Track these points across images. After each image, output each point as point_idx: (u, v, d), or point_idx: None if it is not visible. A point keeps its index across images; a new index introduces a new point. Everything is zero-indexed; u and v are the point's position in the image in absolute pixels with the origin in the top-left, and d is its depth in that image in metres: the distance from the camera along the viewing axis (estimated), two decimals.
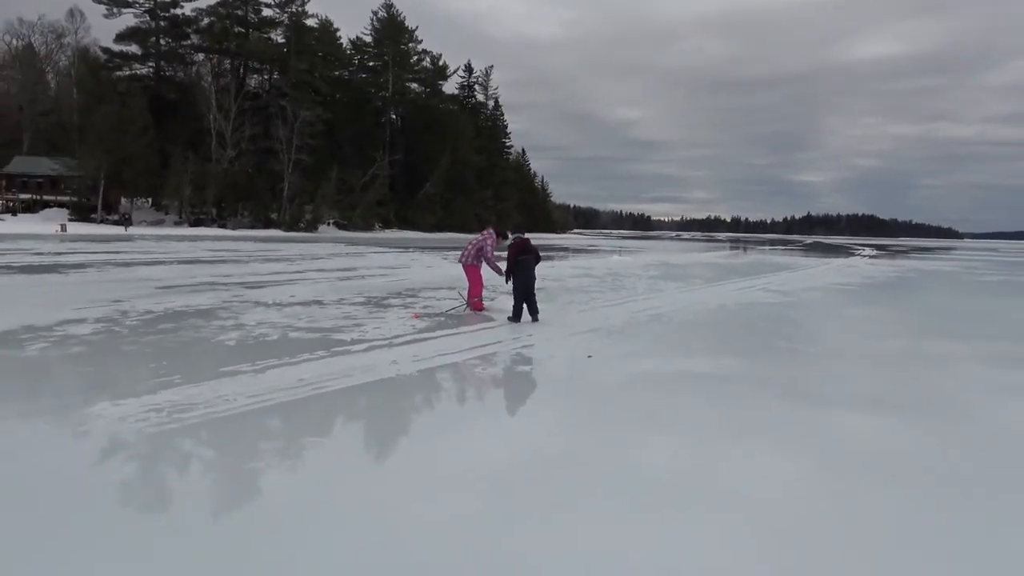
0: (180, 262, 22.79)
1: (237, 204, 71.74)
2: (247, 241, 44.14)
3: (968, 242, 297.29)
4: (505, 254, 12.00)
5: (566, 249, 50.92)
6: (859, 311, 15.29)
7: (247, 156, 71.27)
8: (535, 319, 10.94)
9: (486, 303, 12.50)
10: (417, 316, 11.21)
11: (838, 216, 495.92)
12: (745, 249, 63.43)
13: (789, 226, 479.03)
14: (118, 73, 74.29)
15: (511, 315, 11.13)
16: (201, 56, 77.24)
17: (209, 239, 44.38)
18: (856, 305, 16.38)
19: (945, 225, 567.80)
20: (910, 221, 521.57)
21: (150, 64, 77.05)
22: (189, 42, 77.35)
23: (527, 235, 11.43)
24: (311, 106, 71.97)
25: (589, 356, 8.25)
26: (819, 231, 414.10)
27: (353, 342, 8.86)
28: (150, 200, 74.18)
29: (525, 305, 11.02)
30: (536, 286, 11.13)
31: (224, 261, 24.01)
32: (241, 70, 77.77)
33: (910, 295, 19.96)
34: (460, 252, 12.41)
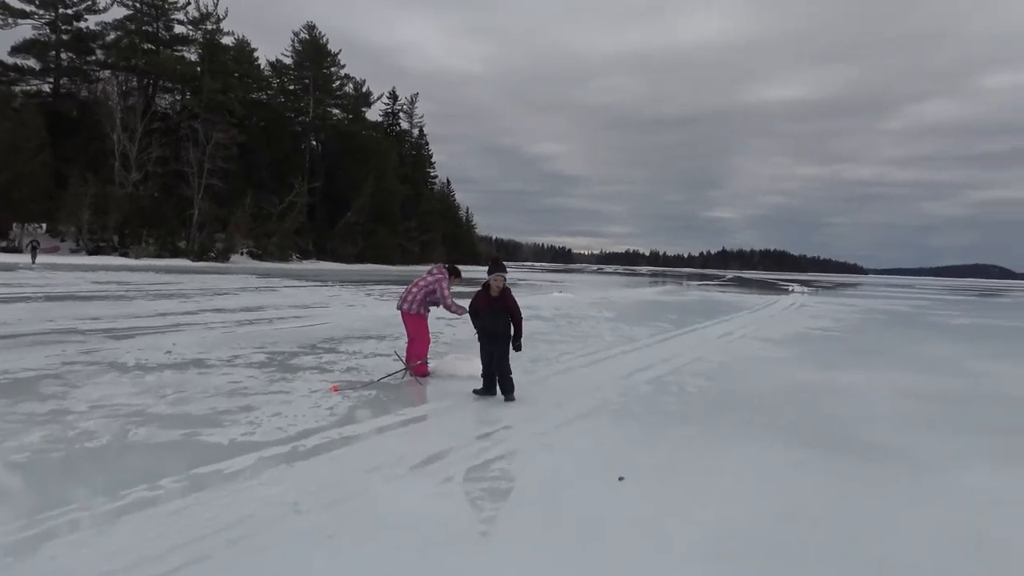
0: (47, 298, 18.79)
1: (141, 231, 66.39)
2: (146, 272, 39.65)
3: (874, 277, 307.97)
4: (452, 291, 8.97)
5: None
6: (902, 376, 12.68)
7: (154, 180, 66.29)
8: (509, 398, 7.80)
9: (432, 363, 9.33)
10: (336, 389, 7.94)
11: (752, 251, 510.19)
12: (680, 284, 61.74)
13: (705, 260, 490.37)
14: (13, 88, 68.47)
15: (478, 387, 8.04)
16: (106, 73, 72.08)
17: (102, 269, 39.67)
18: (882, 361, 13.78)
19: (851, 261, 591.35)
20: (818, 257, 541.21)
21: (49, 79, 71.52)
22: (93, 58, 72.22)
23: (504, 277, 7.92)
24: (225, 128, 67.54)
25: (620, 478, 5.14)
26: (734, 265, 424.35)
27: (232, 450, 5.54)
28: (44, 226, 68.25)
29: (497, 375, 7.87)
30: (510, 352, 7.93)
31: (103, 297, 20.09)
32: (150, 89, 72.88)
33: (917, 342, 17.56)
34: (400, 296, 9.21)
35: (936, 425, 7.64)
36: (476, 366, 9.09)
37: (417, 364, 8.93)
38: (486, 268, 8.05)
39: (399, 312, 9.17)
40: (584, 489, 4.89)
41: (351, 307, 20.13)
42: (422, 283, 9.11)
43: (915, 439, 6.84)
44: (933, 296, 54.68)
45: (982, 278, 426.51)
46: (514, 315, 7.75)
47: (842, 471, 5.61)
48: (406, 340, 9.30)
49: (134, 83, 71.71)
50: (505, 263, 8.21)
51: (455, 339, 12.80)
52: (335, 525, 4.07)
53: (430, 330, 9.35)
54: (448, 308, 9.05)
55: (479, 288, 7.98)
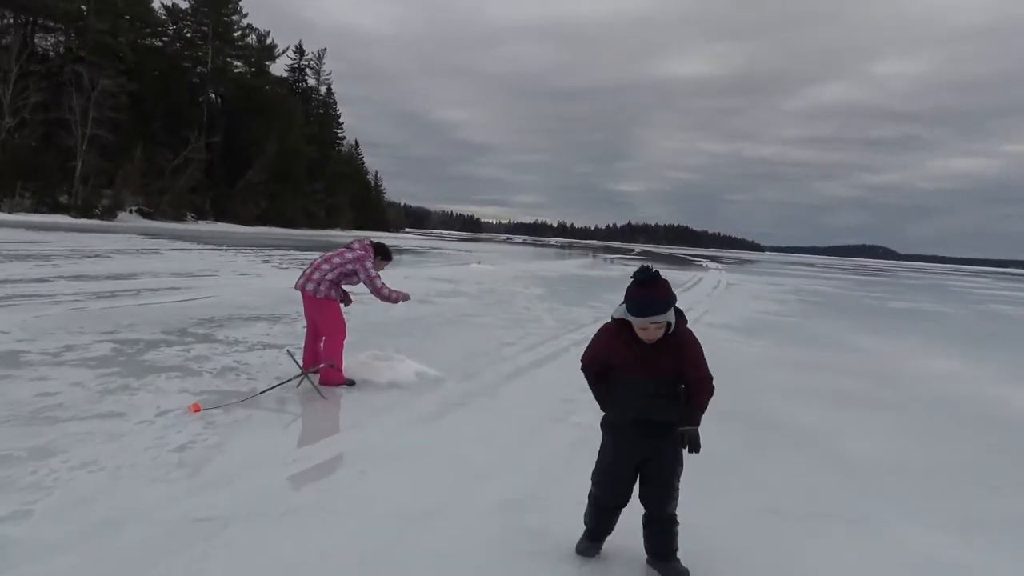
0: None
1: (16, 183, 60.27)
2: (16, 228, 35.14)
3: (771, 255, 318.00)
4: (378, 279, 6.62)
5: (409, 251, 45.19)
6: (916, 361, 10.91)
7: (32, 128, 60.13)
8: (671, 569, 3.38)
9: (359, 364, 6.86)
10: (197, 408, 5.44)
11: (657, 226, 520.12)
12: (594, 257, 60.30)
13: (612, 233, 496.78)
14: None
15: (579, 543, 3.60)
16: None
17: None
18: (885, 363, 12.04)
19: (749, 238, 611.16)
20: (719, 233, 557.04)
21: None
22: None
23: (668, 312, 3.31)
24: (112, 74, 61.80)
25: None
26: (640, 239, 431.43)
27: None
28: None
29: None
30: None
31: None
32: (28, 27, 66.13)
33: (882, 332, 16.01)
34: (303, 273, 6.69)
35: None
36: (403, 370, 6.77)
37: (324, 368, 6.48)
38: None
39: (299, 292, 6.67)
40: None
41: (243, 276, 17.30)
42: (336, 260, 6.63)
43: None
44: (844, 276, 54.93)
45: (870, 258, 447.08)
46: (695, 378, 3.32)
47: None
48: (304, 327, 6.85)
49: (9, 20, 64.87)
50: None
51: (368, 323, 10.24)
52: None
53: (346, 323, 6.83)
54: (379, 296, 6.64)
55: (600, 330, 3.62)
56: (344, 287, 6.71)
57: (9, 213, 54.84)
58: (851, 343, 13.17)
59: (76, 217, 58.09)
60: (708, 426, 3.30)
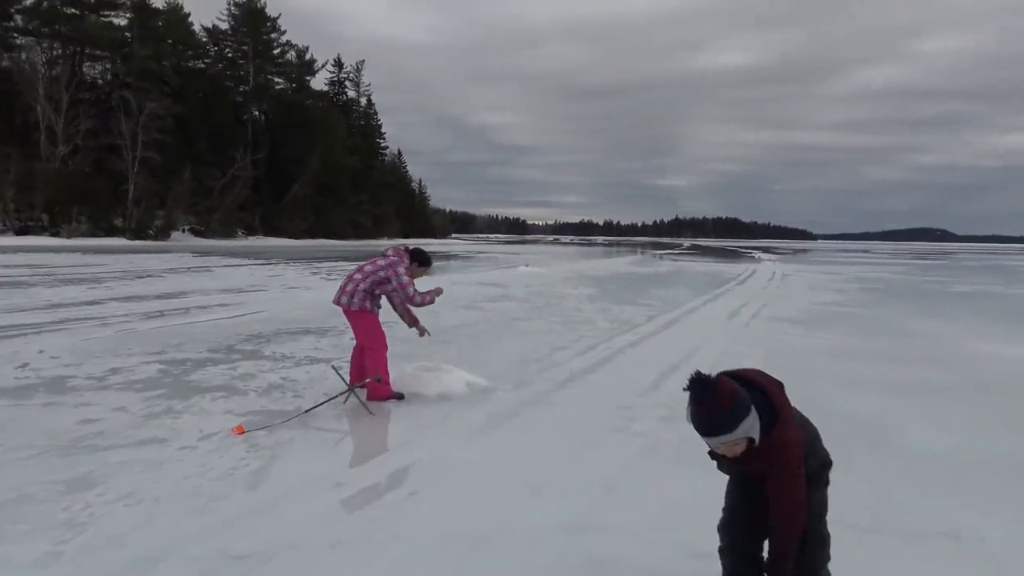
0: None
1: (72, 208, 61.85)
2: (73, 253, 35.91)
3: (824, 243, 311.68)
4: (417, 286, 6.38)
5: (456, 256, 45.14)
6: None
7: (84, 154, 61.59)
8: None
9: (406, 376, 6.61)
10: (241, 431, 5.23)
11: (704, 219, 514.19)
12: (643, 254, 59.57)
13: (659, 229, 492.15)
14: None
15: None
16: (28, 40, 66.77)
17: (21, 251, 35.90)
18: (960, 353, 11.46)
19: (799, 227, 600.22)
20: (768, 223, 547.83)
21: None
22: (13, 23, 66.88)
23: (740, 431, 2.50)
24: (158, 98, 63.02)
25: None
26: (687, 233, 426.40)
27: None
28: None
29: None
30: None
31: None
32: (76, 57, 67.88)
33: (954, 318, 15.30)
34: (338, 288, 6.49)
35: None
36: (452, 381, 6.51)
37: (369, 383, 6.24)
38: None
39: (340, 308, 6.46)
40: None
41: (291, 290, 17.28)
42: (368, 268, 6.40)
43: None
44: (903, 261, 53.36)
45: (927, 241, 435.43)
46: (789, 514, 2.52)
47: None
48: (353, 340, 6.62)
49: (58, 51, 66.66)
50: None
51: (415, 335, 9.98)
52: None
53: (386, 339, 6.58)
54: (413, 303, 6.39)
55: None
56: (380, 298, 6.46)
57: (67, 238, 56.29)
58: (919, 330, 12.54)
59: (131, 239, 59.34)
60: None
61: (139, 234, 60.95)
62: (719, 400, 2.36)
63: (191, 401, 6.12)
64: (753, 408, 2.39)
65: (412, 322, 6.76)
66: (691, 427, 2.42)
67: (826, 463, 2.72)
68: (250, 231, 72.80)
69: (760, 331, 11.84)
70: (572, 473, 4.56)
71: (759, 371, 2.61)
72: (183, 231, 67.32)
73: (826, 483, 2.73)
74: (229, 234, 68.50)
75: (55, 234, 58.42)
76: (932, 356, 9.82)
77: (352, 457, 5.03)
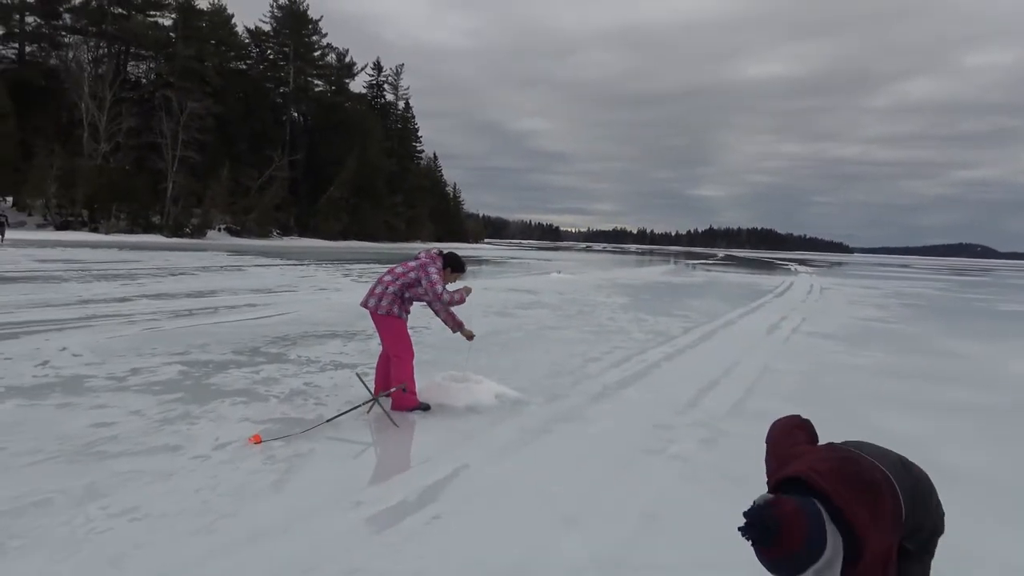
0: None
1: (111, 205, 62.71)
2: (110, 249, 36.25)
3: (861, 256, 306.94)
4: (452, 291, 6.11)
5: (488, 261, 44.90)
6: None
7: (125, 152, 62.45)
8: None
9: (418, 386, 6.31)
10: (258, 440, 4.97)
11: (739, 230, 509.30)
12: (677, 263, 58.86)
13: (692, 239, 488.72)
14: None
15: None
16: (75, 38, 67.92)
17: (60, 245, 36.31)
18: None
19: (836, 240, 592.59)
20: (804, 235, 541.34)
21: (14, 45, 67.44)
22: (61, 22, 68.14)
23: None
24: (200, 98, 63.74)
25: None
26: (721, 244, 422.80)
27: None
28: (10, 200, 64.45)
29: None
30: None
31: (32, 279, 16.96)
32: (121, 56, 68.93)
33: (1005, 336, 14.72)
34: (367, 291, 6.24)
35: None
36: (481, 392, 6.22)
37: (394, 392, 5.97)
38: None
39: (367, 311, 6.20)
40: None
41: (322, 291, 17.11)
42: (399, 270, 6.15)
43: None
44: (943, 277, 52.07)
45: (968, 257, 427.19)
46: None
47: None
48: (380, 344, 6.36)
49: (104, 49, 67.75)
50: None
51: (444, 339, 9.71)
52: None
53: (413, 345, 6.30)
54: (443, 303, 6.10)
55: None
56: (411, 303, 6.19)
57: (106, 234, 57.13)
58: (963, 350, 12.00)
59: (168, 236, 60.01)
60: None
61: (176, 232, 61.66)
62: (788, 543, 1.92)
63: (209, 406, 5.89)
64: (830, 534, 1.94)
65: (457, 326, 6.45)
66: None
67: (937, 530, 2.30)
68: (285, 231, 73.33)
69: (800, 346, 11.40)
70: (607, 499, 4.23)
71: (824, 456, 2.14)
72: (219, 230, 68.00)
73: (931, 553, 2.32)
74: (264, 234, 69.03)
75: (94, 230, 59.34)
76: (976, 376, 9.33)
77: (373, 473, 4.74)
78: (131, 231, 60.43)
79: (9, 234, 42.98)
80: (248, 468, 4.43)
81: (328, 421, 5.47)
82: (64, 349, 8.12)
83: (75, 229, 58.55)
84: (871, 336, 13.26)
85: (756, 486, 4.31)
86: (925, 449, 5.55)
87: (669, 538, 3.71)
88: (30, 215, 61.67)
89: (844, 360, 10.18)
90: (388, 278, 6.12)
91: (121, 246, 40.54)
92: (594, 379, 7.87)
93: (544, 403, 6.56)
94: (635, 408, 6.59)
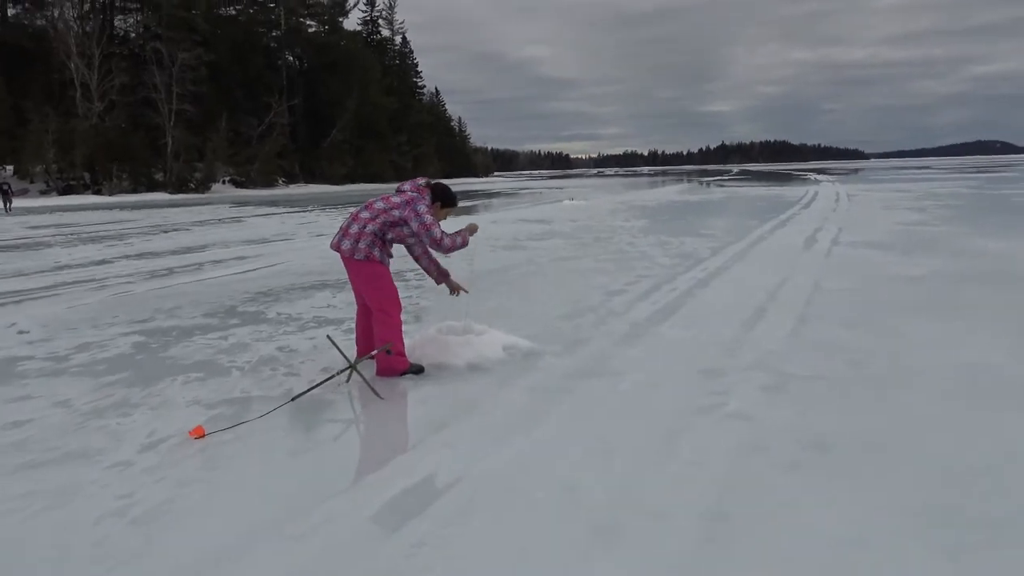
0: None
1: (111, 165, 61.43)
2: (111, 210, 35.13)
3: (879, 161, 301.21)
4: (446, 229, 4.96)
5: (499, 194, 43.54)
6: None
7: (120, 109, 60.92)
8: None
9: (408, 342, 5.20)
10: (200, 433, 3.89)
11: (751, 143, 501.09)
12: (691, 181, 57.14)
13: (705, 156, 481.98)
14: None
15: None
16: None
17: (59, 210, 35.24)
18: None
19: (851, 147, 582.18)
20: (818, 144, 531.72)
21: None
22: None
23: None
24: (190, 47, 61.80)
25: None
26: (734, 159, 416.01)
27: None
28: (10, 168, 63.34)
29: None
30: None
31: (14, 247, 15.97)
32: (107, 10, 66.83)
33: None
34: (340, 230, 5.04)
35: None
36: (486, 346, 5.12)
37: (378, 355, 4.89)
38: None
39: (338, 255, 5.05)
40: None
41: (319, 238, 15.98)
42: (379, 204, 4.97)
43: None
44: (970, 176, 50.12)
45: (987, 154, 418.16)
46: None
47: None
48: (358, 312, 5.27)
49: (89, 5, 65.57)
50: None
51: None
52: None
53: (400, 297, 5.16)
54: (441, 248, 4.94)
55: None
56: (392, 244, 5.06)
57: (110, 195, 56.14)
58: None
59: (172, 193, 58.99)
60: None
61: (180, 188, 60.58)
62: None
63: (155, 388, 4.82)
64: None
65: (441, 276, 5.37)
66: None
67: None
68: (291, 179, 71.96)
69: (847, 259, 10.21)
70: (652, 489, 3.13)
71: None
72: (223, 182, 66.78)
73: None
74: (269, 183, 67.75)
75: (97, 192, 58.39)
76: None
77: (340, 473, 3.59)
78: (135, 190, 59.42)
79: (17, 203, 41.50)
80: (176, 478, 3.37)
81: (294, 399, 4.38)
82: (12, 325, 7.10)
83: (79, 192, 57.61)
84: (920, 242, 12.03)
85: (848, 454, 3.14)
86: None
87: (747, 548, 2.62)
88: (32, 182, 60.65)
89: (899, 271, 8.99)
90: (366, 215, 4.94)
91: (123, 206, 39.53)
92: (620, 316, 6.74)
93: (563, 353, 5.45)
94: (674, 350, 5.47)
